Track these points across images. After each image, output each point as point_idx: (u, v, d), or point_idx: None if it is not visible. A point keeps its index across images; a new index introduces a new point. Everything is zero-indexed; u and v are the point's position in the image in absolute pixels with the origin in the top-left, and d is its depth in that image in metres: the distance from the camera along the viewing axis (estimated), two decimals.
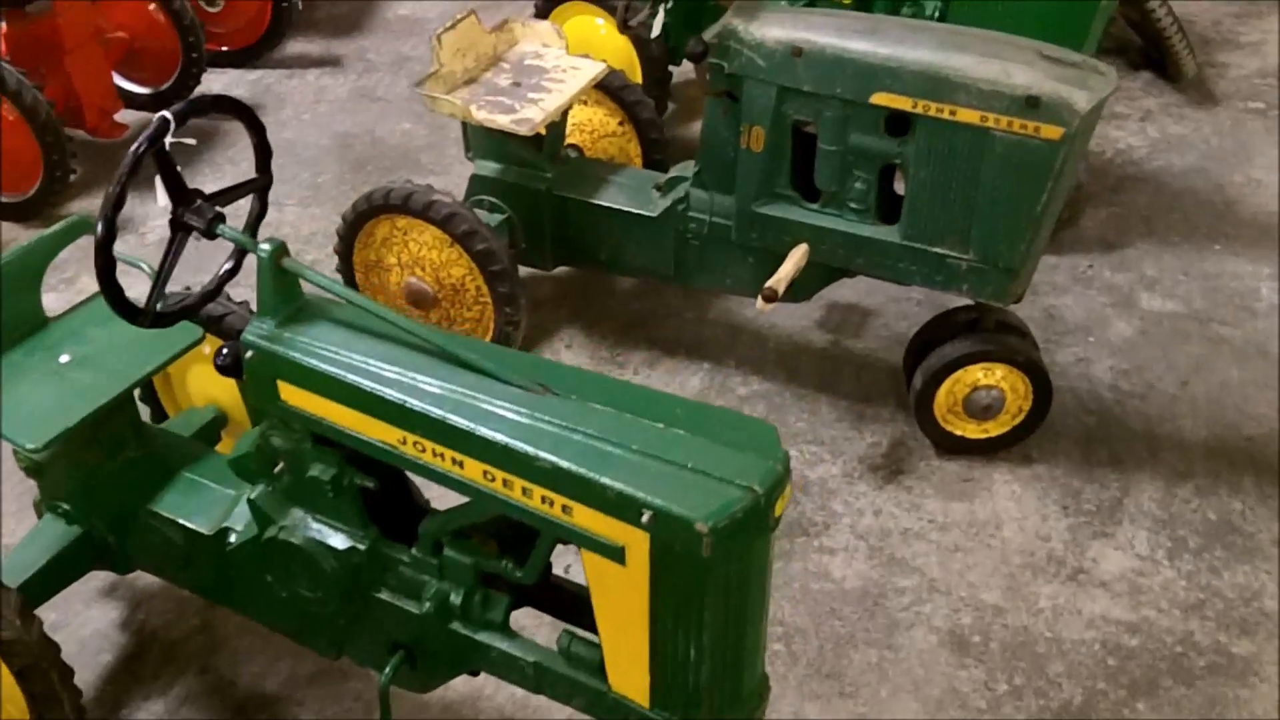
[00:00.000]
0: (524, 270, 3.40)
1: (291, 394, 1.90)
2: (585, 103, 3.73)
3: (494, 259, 3.16)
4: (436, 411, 1.76)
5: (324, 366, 1.84)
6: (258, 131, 1.99)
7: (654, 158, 3.76)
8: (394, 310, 1.92)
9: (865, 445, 3.23)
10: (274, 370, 1.89)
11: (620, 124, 3.77)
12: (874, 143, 2.87)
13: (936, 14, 3.72)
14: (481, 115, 3.21)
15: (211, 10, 4.82)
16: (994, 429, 3.15)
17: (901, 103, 2.78)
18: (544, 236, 3.45)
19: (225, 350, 1.90)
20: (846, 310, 3.66)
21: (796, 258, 2.99)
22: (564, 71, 3.41)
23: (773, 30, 2.88)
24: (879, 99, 2.80)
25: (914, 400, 3.11)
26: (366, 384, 1.81)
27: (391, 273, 3.31)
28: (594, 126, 3.78)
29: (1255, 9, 5.52)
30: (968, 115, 2.72)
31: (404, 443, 1.81)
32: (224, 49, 4.91)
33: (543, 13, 4.37)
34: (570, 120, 3.75)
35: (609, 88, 3.69)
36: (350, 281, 3.38)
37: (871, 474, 3.15)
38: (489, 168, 3.44)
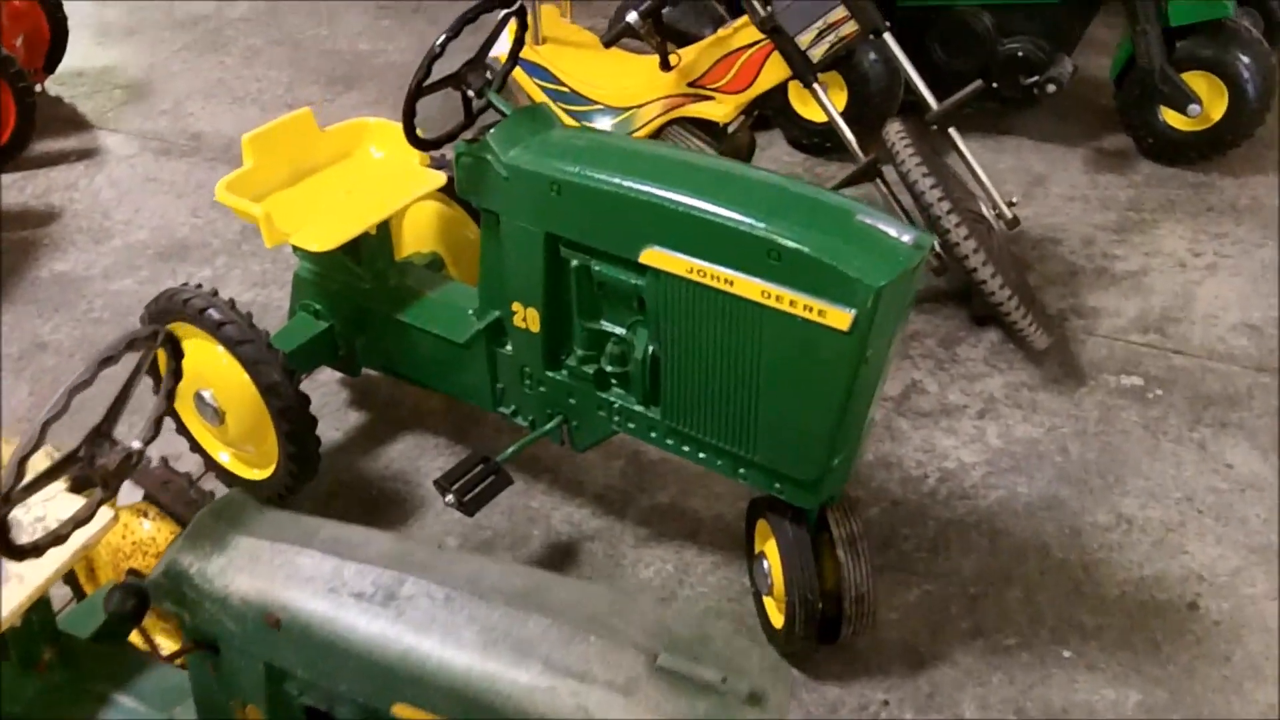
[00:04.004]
0: None
1: None
2: None
3: None
4: None
5: None
6: None
7: None
8: None
9: None
10: None
11: None
12: None
13: (648, 357, 2.65)
14: None
15: None
16: None
17: None
18: None
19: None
20: None
21: None
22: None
23: (239, 579, 1.72)
24: (401, 713, 1.65)
25: None
26: None
27: None
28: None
29: (1138, 220, 4.44)
30: None
31: None
32: None
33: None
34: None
35: None
36: None
37: None
38: None
